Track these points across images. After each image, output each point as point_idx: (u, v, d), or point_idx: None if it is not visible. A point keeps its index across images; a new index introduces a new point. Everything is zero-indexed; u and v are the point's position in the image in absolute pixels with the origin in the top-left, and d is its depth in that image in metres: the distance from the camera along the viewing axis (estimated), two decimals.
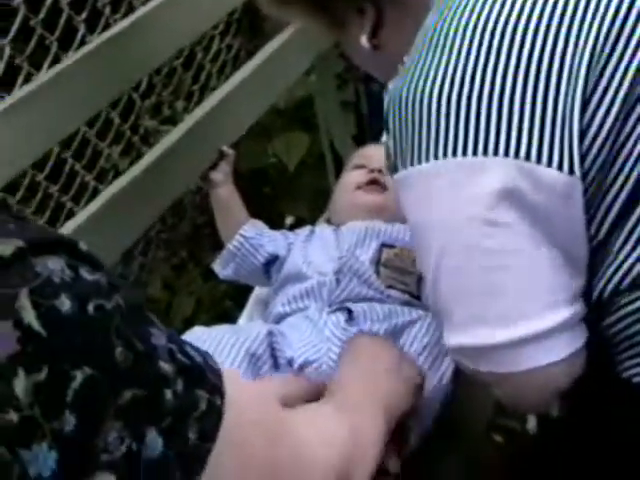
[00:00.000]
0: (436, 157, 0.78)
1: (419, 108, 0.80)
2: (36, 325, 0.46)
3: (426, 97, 0.79)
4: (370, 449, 0.78)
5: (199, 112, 1.41)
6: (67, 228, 1.15)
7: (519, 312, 0.82)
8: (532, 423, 1.60)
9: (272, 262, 1.37)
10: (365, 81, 2.09)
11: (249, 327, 1.17)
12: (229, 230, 1.42)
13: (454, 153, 0.78)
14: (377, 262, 1.24)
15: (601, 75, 0.77)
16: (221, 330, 1.14)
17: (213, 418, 0.57)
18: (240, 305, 1.92)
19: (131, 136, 1.85)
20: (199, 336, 1.11)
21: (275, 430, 0.65)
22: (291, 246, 1.37)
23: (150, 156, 1.30)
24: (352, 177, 1.44)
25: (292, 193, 2.20)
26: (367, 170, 1.42)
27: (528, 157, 0.76)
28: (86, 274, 0.52)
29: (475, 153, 0.77)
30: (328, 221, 1.49)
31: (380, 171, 1.39)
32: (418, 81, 0.81)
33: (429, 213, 0.82)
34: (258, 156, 1.98)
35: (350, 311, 1.16)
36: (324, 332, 1.12)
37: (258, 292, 1.50)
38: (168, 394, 0.53)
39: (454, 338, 0.87)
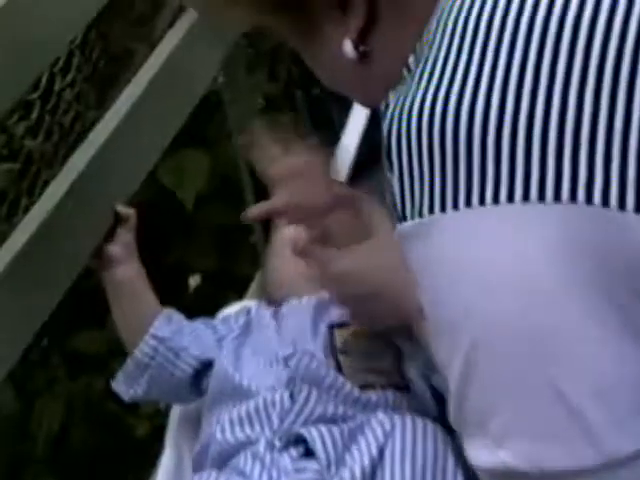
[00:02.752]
0: (468, 204, 0.70)
1: (440, 135, 0.71)
2: None
3: (450, 121, 0.71)
4: None
5: (79, 159, 1.23)
6: None
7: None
8: None
9: (202, 371, 1.22)
10: (303, 81, 1.99)
11: None
12: (134, 327, 1.25)
13: (495, 199, 0.69)
14: (332, 351, 1.15)
15: None
16: None
17: None
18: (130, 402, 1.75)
19: None
20: None
21: None
22: (222, 343, 1.22)
23: (21, 235, 1.15)
24: (289, 234, 1.29)
25: (193, 237, 1.97)
26: None
27: (606, 202, 0.67)
28: None
29: (526, 198, 0.68)
30: (269, 300, 1.33)
31: None
32: (436, 95, 0.72)
33: (453, 275, 0.74)
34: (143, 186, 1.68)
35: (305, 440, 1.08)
36: None
37: (182, 408, 1.35)
38: None
39: (491, 456, 0.76)
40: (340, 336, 1.17)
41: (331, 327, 1.18)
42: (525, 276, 0.72)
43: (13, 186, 1.60)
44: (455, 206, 0.71)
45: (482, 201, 0.70)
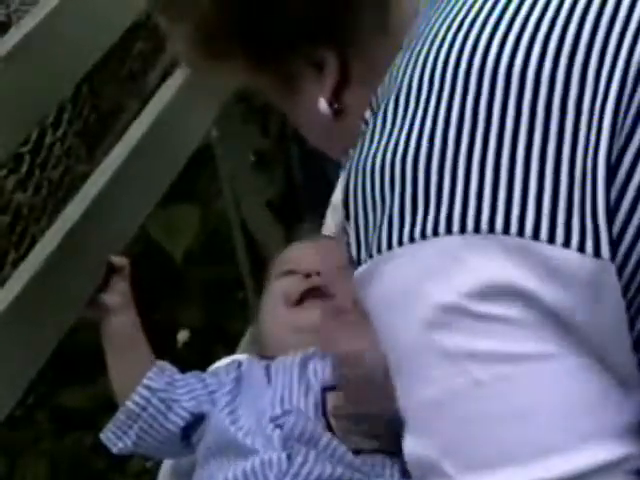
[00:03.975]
0: (412, 239, 0.73)
1: (389, 177, 0.75)
2: None
3: (398, 164, 0.74)
4: None
5: (71, 212, 1.24)
6: None
7: (545, 444, 0.72)
8: None
9: (194, 424, 1.19)
10: (296, 135, 1.99)
11: None
12: (127, 377, 1.23)
13: (435, 232, 0.72)
14: (324, 413, 1.12)
15: (633, 131, 0.70)
16: None
17: None
18: (117, 460, 1.79)
19: None
20: None
21: None
22: (214, 397, 1.20)
23: (11, 288, 1.15)
24: (280, 289, 1.29)
25: (182, 292, 1.97)
26: (299, 276, 1.27)
27: (537, 235, 0.70)
28: None
29: (463, 230, 0.71)
30: (262, 354, 1.30)
31: (319, 274, 1.26)
32: (388, 143, 0.76)
33: (400, 315, 0.75)
34: (132, 240, 1.63)
35: None
36: None
37: (170, 462, 1.33)
38: None
39: None
40: (332, 399, 1.15)
41: (324, 389, 1.16)
42: None
43: (1, 239, 1.59)
44: (400, 242, 0.73)
45: (423, 235, 0.72)
